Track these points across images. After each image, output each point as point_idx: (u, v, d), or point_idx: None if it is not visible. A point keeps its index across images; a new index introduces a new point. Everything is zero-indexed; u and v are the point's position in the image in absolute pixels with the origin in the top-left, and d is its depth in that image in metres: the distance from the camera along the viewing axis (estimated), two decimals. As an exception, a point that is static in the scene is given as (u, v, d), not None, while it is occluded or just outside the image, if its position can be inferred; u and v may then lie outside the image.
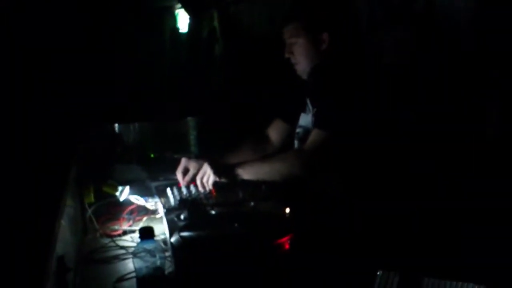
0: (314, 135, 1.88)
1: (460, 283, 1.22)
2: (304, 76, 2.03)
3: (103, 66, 3.13)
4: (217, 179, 1.92)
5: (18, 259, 1.19)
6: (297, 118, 2.10)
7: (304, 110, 2.05)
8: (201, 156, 2.07)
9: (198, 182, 1.96)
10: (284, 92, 2.30)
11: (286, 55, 2.03)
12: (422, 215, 1.83)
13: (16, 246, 1.24)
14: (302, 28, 1.97)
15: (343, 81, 1.90)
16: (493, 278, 1.23)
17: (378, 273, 1.28)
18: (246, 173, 1.91)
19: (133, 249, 1.77)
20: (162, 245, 1.71)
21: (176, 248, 1.55)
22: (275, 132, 2.26)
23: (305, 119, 2.03)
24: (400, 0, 2.49)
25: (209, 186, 1.94)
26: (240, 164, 1.95)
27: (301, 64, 2.00)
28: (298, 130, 2.07)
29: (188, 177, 2.00)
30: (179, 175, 2.03)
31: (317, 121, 1.90)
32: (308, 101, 2.01)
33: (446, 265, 1.35)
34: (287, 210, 1.73)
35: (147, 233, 1.38)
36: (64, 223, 1.54)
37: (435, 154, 2.15)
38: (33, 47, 2.31)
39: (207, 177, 1.92)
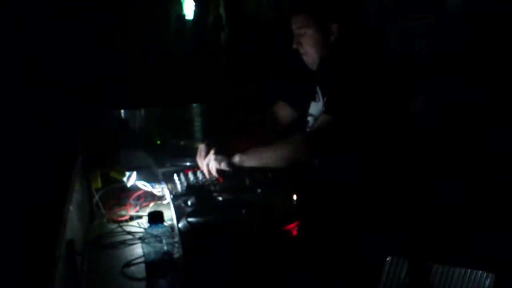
0: (321, 119, 1.87)
1: (469, 270, 1.23)
2: (313, 67, 2.01)
3: (109, 53, 3.12)
4: (219, 167, 1.91)
5: (28, 244, 1.19)
6: (306, 106, 2.09)
7: (314, 99, 2.04)
8: (210, 142, 2.06)
9: (204, 169, 1.96)
10: (290, 79, 2.29)
11: (294, 46, 2.01)
12: (431, 202, 1.82)
13: (26, 231, 1.25)
14: (311, 19, 1.94)
15: (353, 70, 1.89)
16: (502, 266, 1.23)
17: (387, 259, 1.28)
18: (249, 160, 1.89)
19: (140, 234, 1.79)
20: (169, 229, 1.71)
21: (184, 234, 1.56)
22: (280, 112, 2.25)
23: (315, 108, 2.02)
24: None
25: (213, 173, 1.94)
26: (244, 151, 1.94)
27: (310, 54, 1.98)
28: (308, 118, 2.05)
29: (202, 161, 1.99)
30: (199, 161, 2.03)
31: (326, 107, 1.90)
32: (318, 90, 2.00)
33: (455, 252, 1.36)
34: (294, 196, 1.73)
35: (156, 218, 1.39)
36: (72, 208, 1.55)
37: (446, 142, 2.15)
38: (39, 35, 2.30)
39: (211, 165, 1.92)
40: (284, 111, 2.23)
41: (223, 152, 1.93)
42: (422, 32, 2.44)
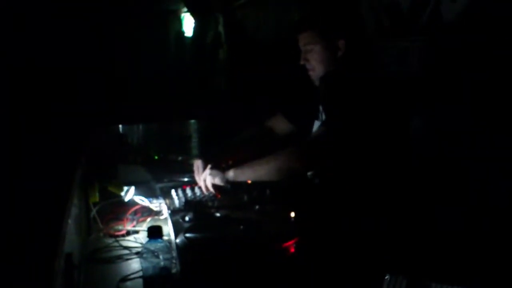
0: (316, 130, 1.89)
1: (467, 289, 1.23)
2: (317, 82, 2.03)
3: (109, 69, 3.14)
4: (215, 182, 1.93)
5: (27, 257, 1.19)
6: (309, 125, 2.10)
7: (317, 118, 2.05)
8: (206, 157, 2.07)
9: (202, 185, 1.97)
10: (292, 97, 2.30)
11: (302, 62, 2.02)
12: (429, 218, 1.83)
13: (25, 244, 1.24)
14: (318, 35, 1.97)
15: (355, 86, 1.90)
16: (499, 285, 1.23)
17: (386, 277, 1.28)
18: (243, 174, 1.91)
19: (136, 249, 1.79)
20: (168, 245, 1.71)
21: (182, 249, 1.55)
22: (276, 125, 2.26)
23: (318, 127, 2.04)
24: (409, 10, 2.50)
25: (209, 189, 1.95)
26: (238, 166, 1.95)
27: (317, 70, 2.00)
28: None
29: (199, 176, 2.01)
30: (197, 177, 2.04)
31: (324, 122, 1.91)
32: (321, 108, 2.01)
33: (453, 271, 1.36)
34: (292, 214, 1.73)
35: (156, 232, 1.39)
36: (70, 222, 1.55)
37: (442, 157, 2.16)
38: (39, 50, 2.32)
39: (207, 181, 1.94)
40: (281, 124, 2.24)
41: (218, 168, 1.95)
42: (419, 52, 2.47)
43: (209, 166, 1.97)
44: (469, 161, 2.09)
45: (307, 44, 1.99)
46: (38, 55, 2.31)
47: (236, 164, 1.97)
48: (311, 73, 2.02)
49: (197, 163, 2.02)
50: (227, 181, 1.94)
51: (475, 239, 1.82)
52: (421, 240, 1.69)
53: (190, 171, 2.14)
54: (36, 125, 1.98)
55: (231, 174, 1.93)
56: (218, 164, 1.99)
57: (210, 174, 1.94)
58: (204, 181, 1.97)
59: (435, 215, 1.93)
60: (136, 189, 2.14)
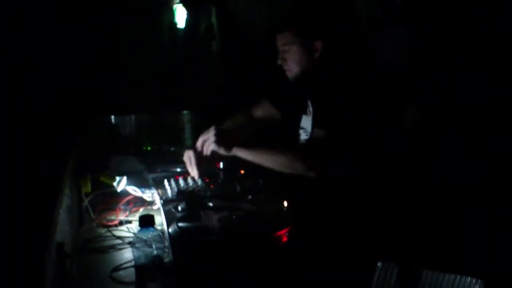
0: (315, 134, 1.88)
1: (459, 276, 1.24)
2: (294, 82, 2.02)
3: (101, 59, 3.12)
4: (216, 148, 1.89)
5: (18, 246, 1.19)
6: (296, 119, 2.10)
7: (305, 112, 2.05)
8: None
9: (199, 144, 1.93)
10: (281, 91, 2.29)
11: (279, 62, 2.02)
12: (422, 208, 1.84)
13: (16, 234, 1.24)
14: (295, 36, 1.97)
15: (342, 83, 1.90)
16: (491, 272, 1.24)
17: (378, 264, 1.29)
18: (245, 153, 1.88)
19: (129, 239, 1.79)
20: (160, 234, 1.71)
21: (174, 238, 1.55)
22: (263, 111, 2.24)
23: (306, 121, 2.04)
24: (403, 0, 2.50)
25: (207, 151, 1.92)
26: (243, 143, 1.92)
27: (293, 70, 2.00)
28: (300, 131, 2.07)
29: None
30: (187, 163, 2.01)
31: (317, 121, 1.91)
32: (310, 104, 2.01)
33: (445, 259, 1.37)
34: (285, 203, 1.73)
35: (147, 221, 1.38)
36: (61, 212, 1.54)
37: (434, 150, 2.17)
38: (32, 40, 2.30)
39: (208, 142, 1.90)
40: (267, 111, 2.23)
41: (221, 136, 1.91)
42: (412, 43, 2.47)
43: (213, 128, 1.91)
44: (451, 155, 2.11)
45: (285, 45, 1.98)
46: (33, 46, 2.29)
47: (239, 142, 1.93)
48: (288, 73, 2.01)
49: (189, 154, 2.00)
50: (228, 151, 1.89)
51: (465, 229, 1.83)
52: (412, 228, 1.70)
53: (183, 162, 2.13)
54: (28, 115, 1.97)
55: (235, 147, 1.88)
56: (221, 130, 1.94)
57: (215, 141, 1.88)
58: (204, 141, 1.92)
59: (426, 205, 1.94)
60: (128, 179, 2.13)
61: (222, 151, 1.89)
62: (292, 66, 1.98)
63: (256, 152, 1.88)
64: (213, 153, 1.92)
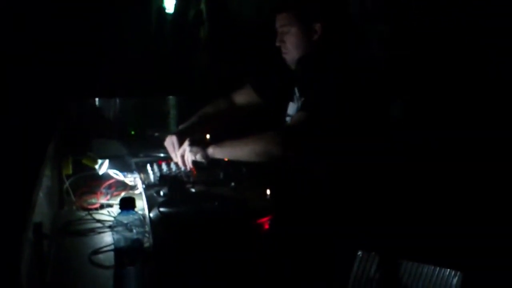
0: (296, 116, 1.87)
1: (438, 268, 1.24)
2: (292, 65, 2.01)
3: (88, 42, 3.09)
4: (194, 158, 1.90)
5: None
6: (283, 106, 2.08)
7: (292, 99, 2.04)
8: (179, 132, 2.05)
9: (179, 161, 1.95)
10: (269, 77, 2.27)
11: (277, 44, 1.99)
12: (404, 199, 1.84)
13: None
14: (295, 17, 1.94)
15: (332, 69, 1.89)
16: (470, 264, 1.25)
17: (358, 254, 1.29)
18: (222, 152, 1.88)
19: (110, 223, 1.77)
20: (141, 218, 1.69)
21: (155, 223, 1.54)
22: (244, 97, 2.23)
23: (292, 109, 2.02)
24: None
25: (189, 164, 1.93)
26: (217, 143, 1.92)
27: (291, 53, 1.97)
28: (286, 119, 2.06)
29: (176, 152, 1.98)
30: (169, 148, 2.00)
31: (302, 105, 1.89)
32: (296, 90, 2.00)
33: (424, 250, 1.37)
34: (268, 191, 1.73)
35: (128, 203, 1.36)
36: (41, 193, 1.52)
37: (418, 142, 2.17)
38: (19, 22, 2.27)
39: (186, 156, 1.91)
40: (249, 97, 2.21)
41: (197, 144, 1.92)
42: (400, 35, 2.47)
43: (187, 141, 1.94)
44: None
45: (283, 26, 1.96)
46: (18, 28, 2.26)
47: (213, 140, 1.95)
48: (285, 56, 1.99)
49: (172, 139, 1.99)
50: (207, 158, 1.91)
51: (445, 217, 1.84)
52: (393, 217, 1.70)
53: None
54: (11, 95, 1.93)
55: (210, 151, 1.89)
56: (195, 140, 1.96)
57: (191, 151, 1.90)
58: (182, 157, 1.94)
59: (408, 195, 1.94)
60: (111, 163, 2.10)
61: (201, 159, 1.89)
62: (290, 48, 1.96)
63: (231, 147, 1.87)
64: (195, 163, 1.92)
